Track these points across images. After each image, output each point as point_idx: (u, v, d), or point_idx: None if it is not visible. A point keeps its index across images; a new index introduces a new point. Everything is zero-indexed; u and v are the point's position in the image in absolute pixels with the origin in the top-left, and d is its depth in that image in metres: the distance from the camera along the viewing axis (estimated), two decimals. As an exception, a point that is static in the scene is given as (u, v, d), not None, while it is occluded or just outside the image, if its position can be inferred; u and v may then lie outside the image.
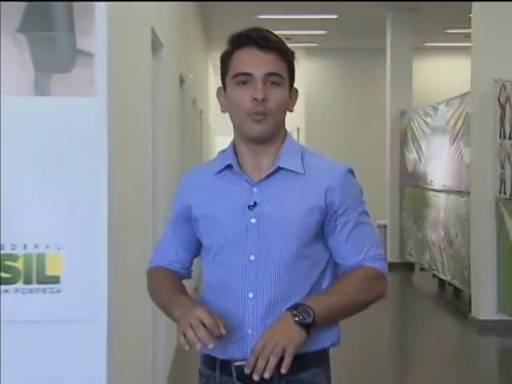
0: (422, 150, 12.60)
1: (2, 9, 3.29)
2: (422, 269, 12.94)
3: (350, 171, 2.58)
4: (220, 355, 2.50)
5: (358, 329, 6.81)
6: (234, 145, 2.58)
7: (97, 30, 3.38)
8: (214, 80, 19.26)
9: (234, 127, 2.55)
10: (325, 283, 2.55)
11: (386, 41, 14.29)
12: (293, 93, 2.56)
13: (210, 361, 2.55)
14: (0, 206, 3.32)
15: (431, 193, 12.03)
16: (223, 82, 2.55)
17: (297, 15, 12.73)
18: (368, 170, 16.98)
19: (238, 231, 2.50)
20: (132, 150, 4.45)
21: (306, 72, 19.01)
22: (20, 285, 3.34)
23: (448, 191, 11.05)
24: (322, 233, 2.54)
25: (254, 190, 2.50)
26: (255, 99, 2.41)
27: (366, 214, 2.58)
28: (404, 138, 13.63)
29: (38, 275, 3.35)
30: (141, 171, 4.96)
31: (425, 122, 12.44)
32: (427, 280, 12.47)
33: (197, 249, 2.70)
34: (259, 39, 2.45)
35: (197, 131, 11.87)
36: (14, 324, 3.34)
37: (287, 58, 2.50)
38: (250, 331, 2.47)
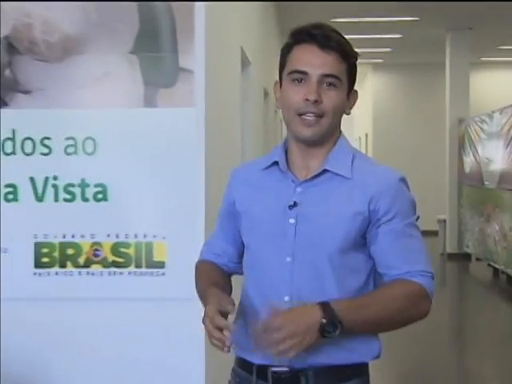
0: (478, 153, 12.46)
1: (118, 33, 3.41)
2: (477, 259, 12.77)
3: (403, 180, 2.17)
4: (257, 360, 2.16)
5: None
6: (285, 142, 2.25)
7: (196, 51, 3.46)
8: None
9: (285, 124, 2.21)
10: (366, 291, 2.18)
11: (446, 57, 14.14)
12: (352, 94, 2.19)
13: (246, 365, 2.21)
14: (117, 202, 3.45)
15: (487, 191, 11.88)
16: (280, 77, 2.20)
17: (371, 17, 12.36)
18: (429, 171, 16.98)
19: (276, 231, 2.15)
20: (224, 152, 4.52)
21: (373, 85, 18.98)
22: (132, 268, 3.45)
23: (502, 190, 10.91)
24: (364, 242, 2.14)
25: (298, 189, 2.15)
26: (307, 99, 2.07)
27: (416, 227, 2.17)
28: (462, 143, 13.48)
29: (147, 260, 3.45)
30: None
31: (481, 128, 12.31)
32: (483, 269, 12.29)
33: (243, 243, 2.33)
34: (320, 37, 2.09)
35: (277, 137, 11.92)
36: (127, 301, 3.46)
37: (348, 59, 2.13)
38: None
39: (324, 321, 1.95)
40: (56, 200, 3.47)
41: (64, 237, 3.47)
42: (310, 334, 1.94)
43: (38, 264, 3.48)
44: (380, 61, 17.90)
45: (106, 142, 3.45)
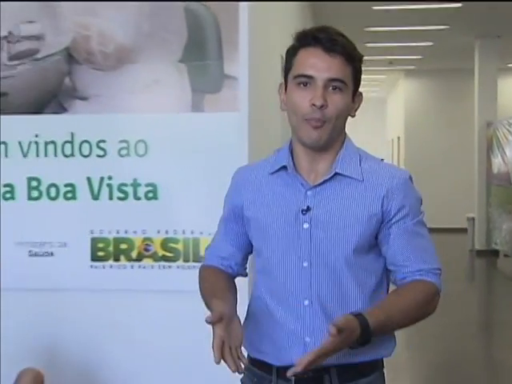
0: (505, 154, 12.36)
1: (167, 43, 3.45)
2: (505, 255, 12.61)
3: (410, 178, 2.10)
4: (277, 362, 2.06)
5: (447, 305, 6.74)
6: (290, 144, 2.10)
7: (240, 59, 3.48)
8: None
9: (291, 126, 2.07)
10: (382, 293, 2.10)
11: (475, 63, 14.01)
12: (357, 97, 2.07)
13: (263, 365, 2.10)
14: (166, 201, 3.49)
15: (514, 191, 11.82)
16: (285, 79, 2.06)
17: (403, 26, 12.30)
18: (459, 171, 16.86)
19: (290, 236, 2.04)
20: (266, 153, 4.47)
21: (405, 90, 18.86)
22: (180, 262, 3.48)
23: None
24: (376, 242, 2.07)
25: (309, 193, 2.03)
26: (314, 105, 1.94)
27: (424, 224, 2.10)
28: (490, 145, 13.34)
29: (194, 255, 3.47)
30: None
31: (508, 131, 12.22)
32: (510, 265, 12.15)
33: (249, 246, 2.20)
34: (326, 41, 1.97)
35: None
36: (176, 293, 3.49)
37: (353, 62, 2.00)
38: (307, 339, 2.01)
39: (357, 342, 1.86)
40: (110, 198, 3.52)
41: (118, 232, 3.52)
42: (341, 348, 1.85)
43: (94, 257, 3.54)
44: (412, 67, 17.79)
45: (156, 145, 3.49)
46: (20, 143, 3.58)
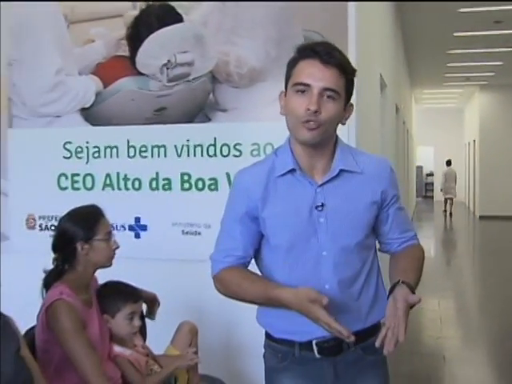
0: None
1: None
2: None
3: (390, 163, 2.06)
4: (300, 339, 1.95)
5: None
6: (289, 146, 1.97)
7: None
8: (414, 107, 18.85)
9: (288, 129, 1.94)
10: (375, 264, 2.02)
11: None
12: (348, 107, 1.91)
13: (287, 343, 1.98)
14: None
15: None
16: (286, 86, 1.95)
17: (478, 49, 11.90)
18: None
19: (308, 231, 1.90)
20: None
21: (480, 102, 18.23)
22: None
23: None
24: (374, 223, 2.00)
25: (319, 190, 1.91)
26: (309, 109, 1.81)
27: (400, 198, 2.05)
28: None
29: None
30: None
31: None
32: None
33: (259, 243, 2.02)
34: (323, 54, 1.84)
35: (405, 144, 11.70)
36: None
37: (347, 74, 1.87)
38: None
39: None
40: (245, 190, 3.55)
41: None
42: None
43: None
44: (485, 82, 17.18)
45: None
46: (175, 146, 3.68)
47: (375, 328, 1.99)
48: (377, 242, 2.09)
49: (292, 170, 1.92)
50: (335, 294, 1.88)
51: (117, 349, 2.73)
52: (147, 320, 3.01)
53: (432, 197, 24.59)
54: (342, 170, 1.92)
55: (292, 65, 1.91)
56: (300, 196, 1.91)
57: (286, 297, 1.80)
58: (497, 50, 12.09)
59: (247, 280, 1.94)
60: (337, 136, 1.97)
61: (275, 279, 1.94)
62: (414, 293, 1.81)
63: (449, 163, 19.61)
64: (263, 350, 2.10)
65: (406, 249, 2.05)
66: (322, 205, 1.89)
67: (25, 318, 2.37)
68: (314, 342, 1.93)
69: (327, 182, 1.92)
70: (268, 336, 2.05)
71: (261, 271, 2.03)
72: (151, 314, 3.00)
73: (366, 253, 1.98)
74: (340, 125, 1.92)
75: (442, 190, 19.75)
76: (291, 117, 1.88)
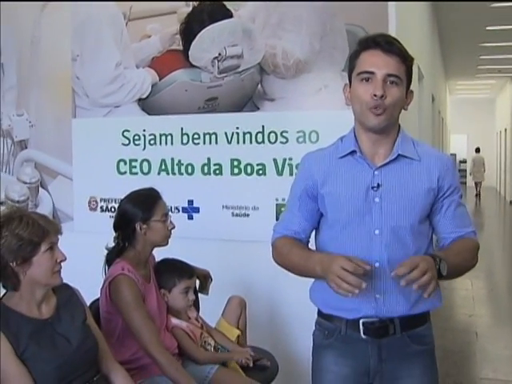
0: None
1: (333, 57, 3.41)
2: None
3: (453, 160, 2.00)
4: (348, 316, 1.91)
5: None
6: (354, 133, 1.95)
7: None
8: (448, 98, 18.48)
9: (355, 117, 1.93)
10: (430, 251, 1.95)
11: None
12: (409, 93, 1.91)
13: (335, 319, 1.94)
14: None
15: None
16: (349, 79, 1.93)
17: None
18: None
19: (363, 209, 1.88)
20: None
21: (511, 92, 17.77)
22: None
23: None
24: (430, 211, 1.94)
25: (376, 173, 1.88)
26: (375, 95, 1.80)
27: (462, 197, 1.99)
28: None
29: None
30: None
31: None
32: None
33: (317, 221, 2.02)
34: (384, 43, 1.84)
35: (439, 131, 11.48)
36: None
37: (407, 61, 1.86)
38: (378, 296, 1.87)
39: (438, 260, 1.75)
40: (291, 174, 3.51)
41: (295, 200, 3.53)
42: (435, 270, 1.72)
43: (278, 218, 3.56)
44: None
45: (325, 134, 3.43)
46: (226, 133, 3.68)
47: (424, 318, 1.94)
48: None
49: (353, 152, 1.91)
50: (385, 272, 1.84)
51: (174, 321, 2.76)
52: (201, 295, 3.03)
53: (465, 183, 24.17)
54: (400, 155, 1.89)
55: (354, 57, 1.91)
56: (358, 176, 1.90)
57: (319, 256, 1.82)
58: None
59: (295, 247, 1.95)
60: (399, 125, 1.95)
61: (331, 252, 1.92)
62: (439, 262, 1.74)
63: (477, 150, 19.91)
64: (309, 326, 2.07)
65: (457, 239, 1.95)
66: (378, 185, 1.87)
67: (87, 292, 2.41)
68: (361, 322, 1.88)
69: (385, 164, 1.89)
70: (318, 313, 2.02)
71: (318, 248, 2.01)
72: (204, 289, 3.02)
73: (421, 239, 1.92)
74: None
75: (470, 174, 20.20)
76: (358, 104, 1.87)
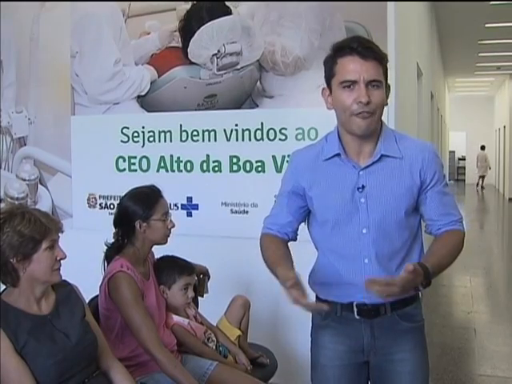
0: None
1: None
2: None
3: (434, 148, 2.01)
4: (342, 300, 1.99)
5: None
6: (337, 134, 1.97)
7: (389, 66, 3.39)
8: (447, 95, 18.46)
9: (338, 122, 1.95)
10: (417, 242, 2.01)
11: None
12: (387, 89, 1.92)
13: (331, 303, 1.99)
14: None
15: None
16: (328, 84, 1.94)
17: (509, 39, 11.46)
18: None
19: (350, 209, 1.93)
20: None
21: (510, 91, 17.72)
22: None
23: None
24: (416, 204, 1.98)
25: (361, 173, 1.93)
26: (360, 102, 1.82)
27: (447, 184, 2.02)
28: None
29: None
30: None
31: None
32: None
33: (304, 217, 2.08)
34: (361, 49, 1.84)
35: (439, 129, 11.48)
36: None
37: (383, 62, 1.88)
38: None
39: (421, 286, 1.80)
40: (289, 171, 3.52)
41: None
42: (408, 290, 1.78)
43: (277, 215, 3.56)
44: (516, 71, 16.73)
45: (324, 131, 3.33)
46: (224, 130, 3.68)
47: (412, 298, 2.01)
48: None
49: (337, 155, 1.95)
50: (374, 267, 1.92)
51: (175, 318, 2.76)
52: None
53: (464, 180, 24.17)
54: (383, 155, 1.92)
55: (331, 63, 1.91)
56: (344, 178, 1.94)
57: (280, 274, 1.81)
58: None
59: (272, 251, 2.00)
60: (382, 121, 1.96)
61: (322, 249, 2.02)
62: (427, 273, 1.78)
63: (483, 148, 20.73)
64: (308, 323, 2.14)
65: (443, 234, 1.99)
66: (363, 186, 1.92)
67: (86, 288, 2.41)
68: (354, 304, 1.97)
69: (369, 165, 1.93)
70: (316, 297, 2.09)
71: (313, 243, 2.08)
72: (201, 288, 3.01)
73: (408, 232, 1.97)
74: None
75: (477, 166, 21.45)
76: (342, 111, 1.88)
